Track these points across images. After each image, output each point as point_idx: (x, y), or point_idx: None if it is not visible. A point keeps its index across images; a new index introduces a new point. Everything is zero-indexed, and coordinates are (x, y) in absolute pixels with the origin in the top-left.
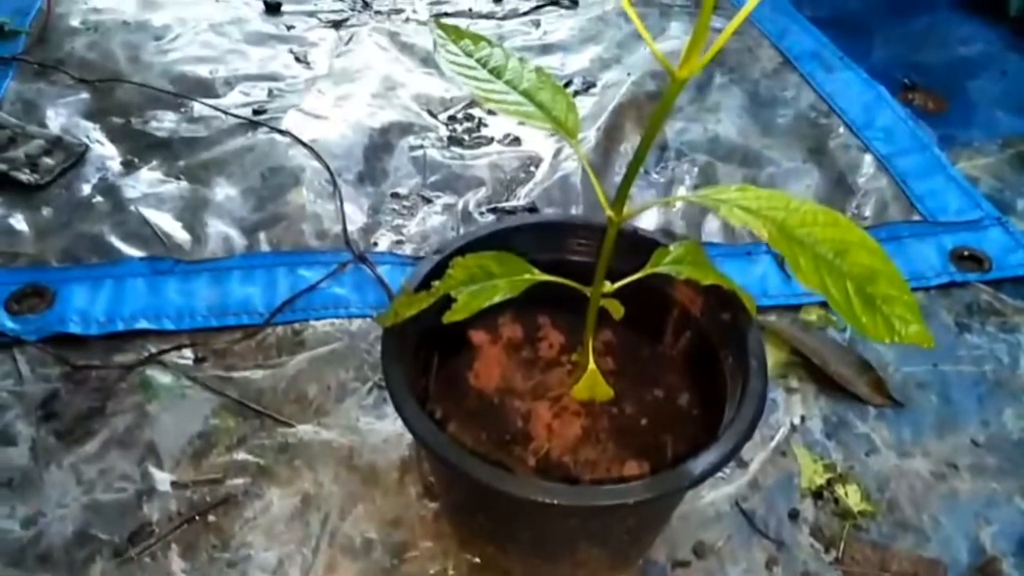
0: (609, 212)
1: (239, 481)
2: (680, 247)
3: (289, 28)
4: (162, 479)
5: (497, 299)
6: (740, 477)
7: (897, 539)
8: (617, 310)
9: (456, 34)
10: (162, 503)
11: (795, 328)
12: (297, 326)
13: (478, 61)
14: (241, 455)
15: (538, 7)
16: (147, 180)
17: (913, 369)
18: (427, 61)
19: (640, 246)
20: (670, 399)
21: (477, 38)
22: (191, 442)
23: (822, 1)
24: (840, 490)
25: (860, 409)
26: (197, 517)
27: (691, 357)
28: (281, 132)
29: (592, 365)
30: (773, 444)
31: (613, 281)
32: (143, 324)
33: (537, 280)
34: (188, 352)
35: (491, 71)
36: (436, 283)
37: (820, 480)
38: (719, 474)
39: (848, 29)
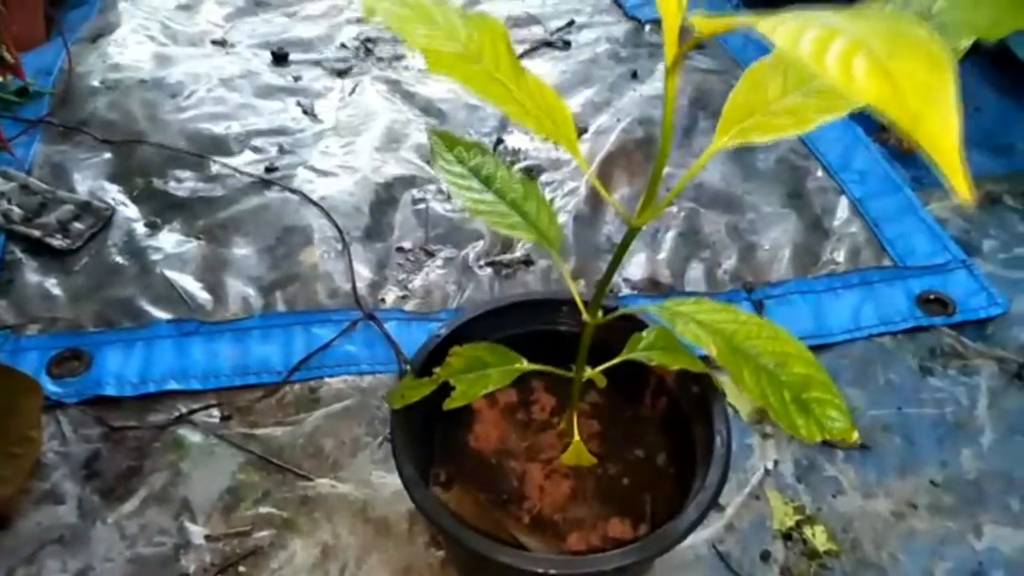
0: (585, 316)
1: (265, 533)
2: (652, 332)
3: (296, 79)
4: (196, 532)
5: (490, 388)
6: (717, 521)
7: None
8: (600, 381)
9: (450, 142)
10: (197, 555)
11: None
12: (313, 383)
13: (471, 170)
14: (266, 508)
15: (532, 49)
16: (169, 241)
17: (879, 412)
18: (427, 110)
19: (620, 321)
20: (649, 458)
21: (470, 145)
22: (221, 497)
23: None
24: (808, 531)
25: (829, 452)
26: (229, 568)
27: (667, 419)
28: (292, 191)
29: (576, 437)
30: (748, 489)
31: (596, 355)
32: (172, 385)
33: (525, 369)
34: (215, 411)
35: (483, 180)
36: (437, 370)
37: (790, 522)
38: None
39: None
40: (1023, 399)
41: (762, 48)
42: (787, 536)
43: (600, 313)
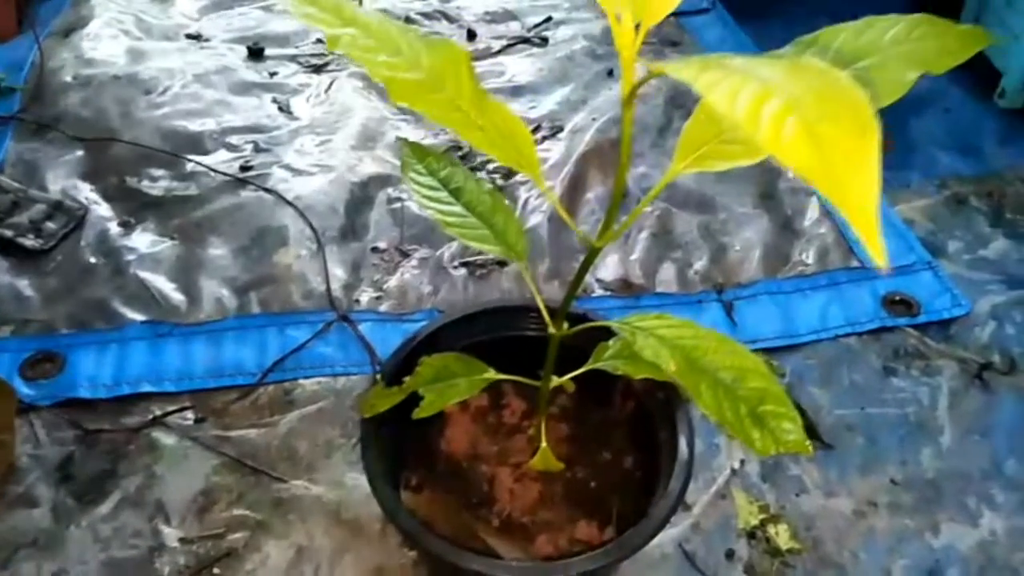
0: (552, 329)
1: (239, 535)
2: (619, 341)
3: (272, 75)
4: (171, 535)
5: (458, 399)
6: (684, 520)
7: (819, 574)
8: (569, 386)
9: (420, 153)
10: (172, 558)
11: None
12: (287, 385)
13: (441, 181)
14: (240, 510)
15: (509, 46)
16: (143, 241)
17: (844, 412)
18: (402, 107)
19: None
20: (617, 461)
21: (439, 157)
22: (195, 499)
23: (779, 37)
24: (772, 530)
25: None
26: (203, 570)
27: (635, 422)
28: (267, 191)
29: (544, 444)
30: (714, 488)
31: (566, 357)
32: (146, 387)
33: (493, 379)
34: (189, 413)
35: (452, 191)
36: (407, 379)
37: (755, 521)
38: None
39: None
40: (982, 399)
41: (739, 43)
42: (751, 535)
43: (565, 325)
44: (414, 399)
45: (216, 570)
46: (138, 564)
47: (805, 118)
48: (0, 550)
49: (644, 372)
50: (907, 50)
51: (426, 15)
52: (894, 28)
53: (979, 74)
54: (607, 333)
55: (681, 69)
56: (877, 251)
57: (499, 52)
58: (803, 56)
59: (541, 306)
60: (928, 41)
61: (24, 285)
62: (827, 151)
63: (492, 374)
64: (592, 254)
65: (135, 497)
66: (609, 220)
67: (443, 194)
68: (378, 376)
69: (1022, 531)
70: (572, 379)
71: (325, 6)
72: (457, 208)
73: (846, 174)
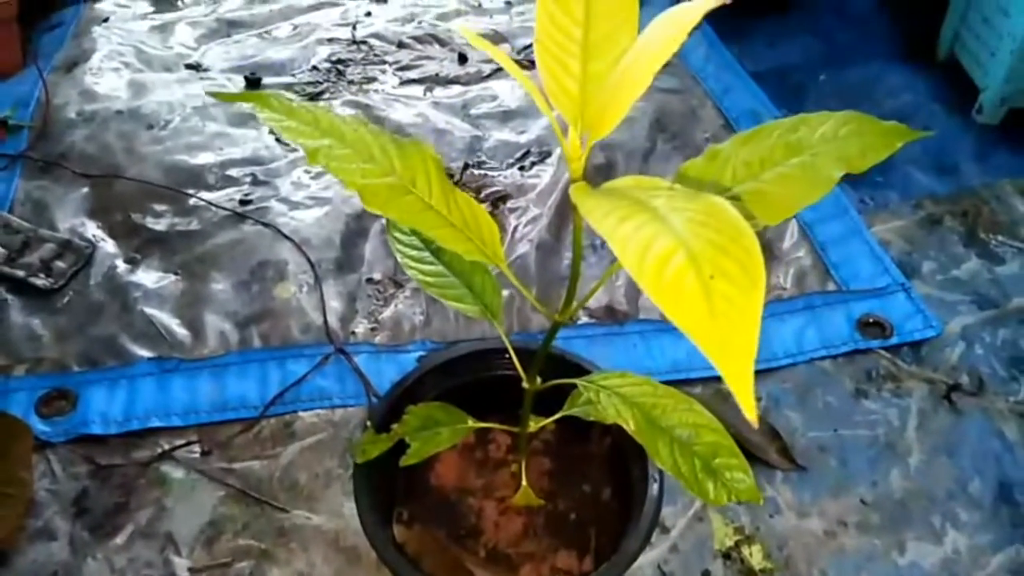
0: (525, 384)
1: (245, 564)
2: (592, 387)
3: None
4: (181, 565)
5: (441, 447)
6: (663, 542)
7: None
8: (548, 430)
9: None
10: None
11: (716, 399)
12: (288, 418)
13: (423, 241)
14: (245, 540)
15: (499, 69)
16: (149, 278)
17: (817, 434)
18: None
19: (566, 364)
20: (595, 494)
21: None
22: (203, 530)
23: (763, 54)
24: (746, 550)
25: (769, 473)
26: None
27: (612, 456)
28: (265, 225)
29: (524, 483)
30: (692, 511)
31: (544, 398)
32: (155, 422)
33: (474, 428)
34: (195, 447)
35: (433, 251)
36: (395, 426)
37: (730, 542)
38: None
39: (786, 84)
40: (950, 420)
41: (724, 62)
42: (727, 555)
43: (539, 380)
44: (404, 441)
45: None
46: None
47: (702, 274)
48: None
49: (613, 418)
50: (834, 148)
51: (418, 39)
52: (824, 126)
53: (958, 90)
54: (584, 369)
55: (601, 220)
56: (749, 408)
57: (489, 76)
58: (714, 196)
59: (517, 364)
60: (853, 139)
61: (36, 324)
62: (717, 307)
63: (472, 423)
64: (555, 327)
65: (146, 529)
66: (570, 296)
67: (425, 254)
68: (368, 423)
69: (983, 548)
70: (557, 406)
71: (304, 119)
72: (438, 268)
73: (729, 334)
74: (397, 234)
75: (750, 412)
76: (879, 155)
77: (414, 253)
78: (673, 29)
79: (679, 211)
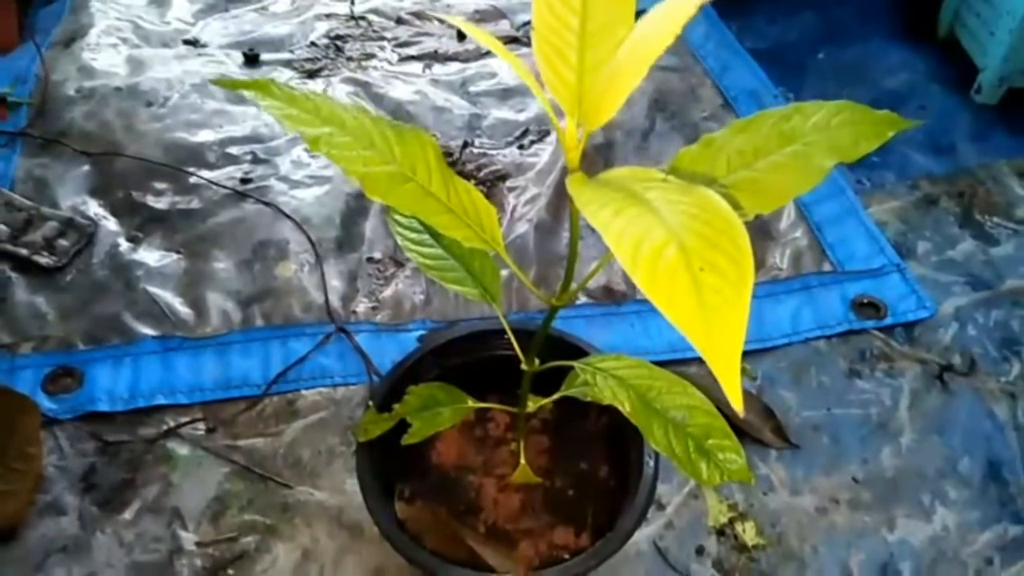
0: (524, 365)
1: (250, 539)
2: (589, 369)
3: None
4: (188, 539)
5: (442, 427)
6: (658, 519)
7: (781, 568)
8: (546, 409)
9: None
10: (190, 560)
11: (711, 378)
12: (290, 396)
13: (423, 223)
14: (250, 515)
15: None
16: (151, 256)
17: (811, 413)
18: (396, 113)
19: (565, 345)
20: (593, 471)
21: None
22: (209, 505)
23: (763, 32)
24: (740, 527)
25: (763, 452)
26: (219, 572)
27: (609, 434)
28: (266, 204)
29: (523, 461)
30: (687, 489)
31: (542, 378)
32: (160, 400)
33: (475, 407)
34: (200, 424)
35: (433, 234)
36: (396, 405)
37: (724, 519)
38: None
39: (785, 61)
40: (941, 400)
41: (723, 39)
42: (720, 532)
43: (537, 361)
44: (405, 420)
45: (231, 571)
46: (160, 567)
47: (692, 267)
48: (33, 555)
49: (609, 400)
50: (827, 137)
51: (417, 15)
52: (817, 115)
53: (958, 70)
54: (582, 349)
55: (596, 213)
56: (736, 398)
57: (488, 53)
58: (706, 189)
59: (516, 347)
60: (846, 129)
61: (41, 302)
62: (707, 299)
63: (472, 403)
64: (552, 312)
65: (154, 504)
66: (567, 280)
67: (425, 237)
68: (370, 403)
69: (971, 525)
70: (555, 384)
71: (304, 107)
72: (438, 251)
73: (717, 327)
74: (397, 216)
75: (736, 402)
76: (871, 144)
77: (414, 236)
78: (669, 21)
79: (672, 203)
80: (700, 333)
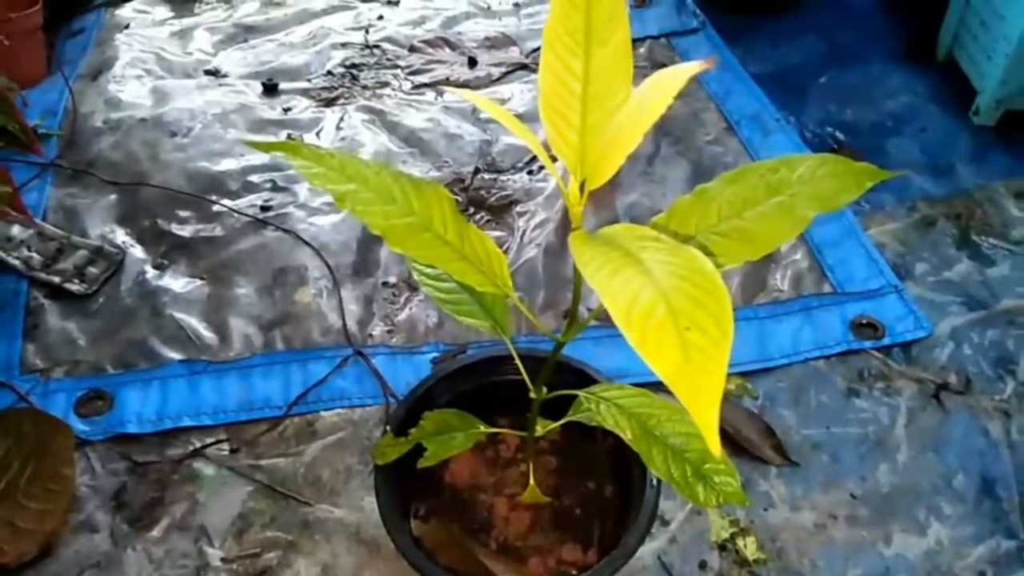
0: (532, 393)
1: (273, 554)
2: (593, 399)
3: (286, 110)
4: (214, 555)
5: (456, 451)
6: (663, 534)
7: None
8: (554, 432)
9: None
10: (216, 575)
11: None
12: (310, 417)
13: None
14: (273, 532)
15: (508, 72)
16: (176, 283)
17: (810, 431)
18: (408, 140)
19: (572, 370)
20: (599, 490)
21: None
22: (233, 523)
23: (766, 56)
24: (741, 542)
25: (763, 469)
26: None
27: (614, 455)
28: (285, 231)
29: (532, 483)
30: (690, 505)
31: (550, 402)
32: (187, 421)
33: (486, 432)
34: (224, 445)
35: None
36: (412, 430)
37: (726, 534)
38: None
39: (788, 85)
40: (937, 418)
41: (726, 63)
42: (722, 547)
43: (544, 390)
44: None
45: None
46: None
47: (679, 325)
48: (68, 572)
49: (612, 427)
50: (811, 189)
51: (429, 43)
52: (802, 167)
53: (956, 92)
54: (589, 376)
55: (594, 274)
56: (714, 446)
57: (498, 79)
58: (694, 251)
59: (524, 375)
60: (829, 180)
61: (72, 328)
62: (691, 356)
63: (484, 428)
64: (558, 348)
65: (181, 522)
66: (572, 318)
67: (441, 273)
68: (387, 427)
69: (965, 540)
70: (563, 408)
71: (331, 165)
72: (452, 285)
73: (699, 382)
74: (416, 266)
75: (715, 449)
76: (852, 195)
77: (430, 271)
78: (663, 90)
79: (663, 264)
80: (684, 387)
